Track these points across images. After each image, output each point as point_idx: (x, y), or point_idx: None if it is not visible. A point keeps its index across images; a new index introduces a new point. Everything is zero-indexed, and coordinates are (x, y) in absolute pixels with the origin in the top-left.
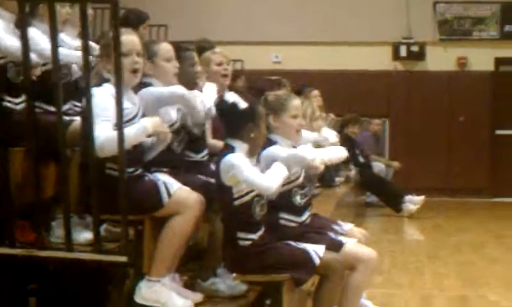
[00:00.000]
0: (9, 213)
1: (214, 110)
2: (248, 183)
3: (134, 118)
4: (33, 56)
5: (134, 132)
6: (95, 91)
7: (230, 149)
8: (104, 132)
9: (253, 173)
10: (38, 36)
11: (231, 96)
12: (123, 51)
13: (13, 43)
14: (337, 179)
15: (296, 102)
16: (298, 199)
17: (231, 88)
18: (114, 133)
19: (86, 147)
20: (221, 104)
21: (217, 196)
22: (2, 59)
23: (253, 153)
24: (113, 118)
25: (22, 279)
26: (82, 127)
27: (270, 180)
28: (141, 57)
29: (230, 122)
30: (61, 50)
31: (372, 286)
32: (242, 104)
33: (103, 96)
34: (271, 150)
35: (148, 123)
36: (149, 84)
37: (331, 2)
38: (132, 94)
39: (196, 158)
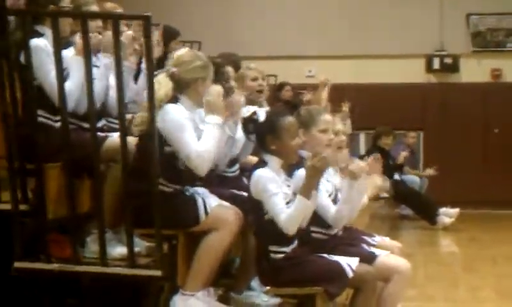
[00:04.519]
0: (45, 228)
1: None
2: (270, 212)
3: None
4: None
5: (213, 133)
6: (170, 107)
7: (262, 163)
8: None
9: (278, 203)
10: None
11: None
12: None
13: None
14: None
15: (326, 116)
16: None
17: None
18: (201, 148)
19: (124, 160)
20: (244, 120)
21: (250, 209)
22: None
23: (284, 165)
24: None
25: (59, 294)
26: (121, 141)
27: (292, 222)
28: None
29: (255, 136)
30: None
31: (407, 299)
32: (262, 117)
33: (180, 113)
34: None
35: (212, 119)
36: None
37: (364, 15)
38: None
39: (228, 172)
